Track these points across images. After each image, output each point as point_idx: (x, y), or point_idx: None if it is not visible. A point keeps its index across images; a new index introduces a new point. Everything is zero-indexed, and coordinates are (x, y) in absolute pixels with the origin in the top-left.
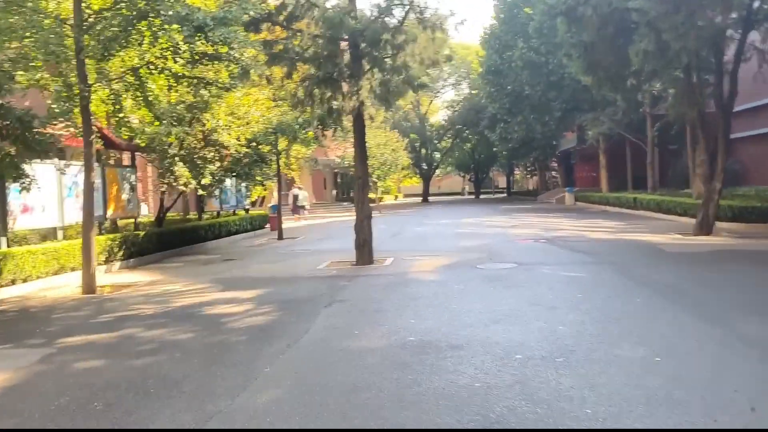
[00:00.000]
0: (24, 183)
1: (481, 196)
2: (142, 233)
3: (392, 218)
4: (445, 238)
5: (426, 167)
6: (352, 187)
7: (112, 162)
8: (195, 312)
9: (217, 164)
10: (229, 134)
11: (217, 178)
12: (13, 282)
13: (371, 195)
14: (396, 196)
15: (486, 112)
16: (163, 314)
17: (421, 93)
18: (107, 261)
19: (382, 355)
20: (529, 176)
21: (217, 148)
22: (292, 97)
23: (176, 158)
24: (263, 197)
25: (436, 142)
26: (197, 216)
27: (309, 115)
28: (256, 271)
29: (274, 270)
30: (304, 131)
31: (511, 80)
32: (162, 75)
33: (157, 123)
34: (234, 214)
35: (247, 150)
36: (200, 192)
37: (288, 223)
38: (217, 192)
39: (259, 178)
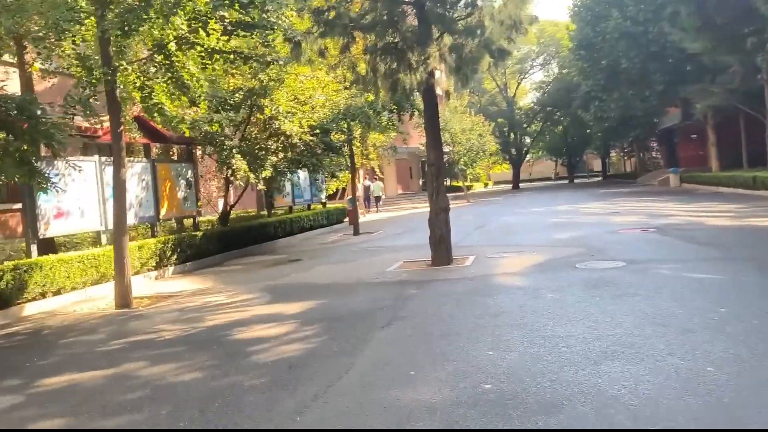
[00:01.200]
0: (41, 183)
1: (575, 181)
2: (200, 234)
3: (480, 207)
4: (537, 229)
5: (515, 153)
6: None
7: (173, 156)
8: (222, 336)
9: (281, 155)
10: (292, 122)
11: (280, 170)
12: (43, 295)
13: (458, 183)
14: (486, 184)
15: (579, 90)
16: (183, 339)
17: (507, 72)
18: (158, 266)
19: (442, 419)
20: (626, 158)
21: (279, 137)
22: (353, 73)
23: (234, 150)
24: (343, 189)
25: (525, 126)
26: (267, 212)
27: (377, 97)
28: (318, 274)
29: (337, 273)
30: (378, 116)
31: (606, 54)
32: (194, 51)
33: (204, 109)
34: (309, 208)
35: (311, 138)
36: (260, 186)
37: (369, 215)
38: (284, 185)
39: (330, 169)
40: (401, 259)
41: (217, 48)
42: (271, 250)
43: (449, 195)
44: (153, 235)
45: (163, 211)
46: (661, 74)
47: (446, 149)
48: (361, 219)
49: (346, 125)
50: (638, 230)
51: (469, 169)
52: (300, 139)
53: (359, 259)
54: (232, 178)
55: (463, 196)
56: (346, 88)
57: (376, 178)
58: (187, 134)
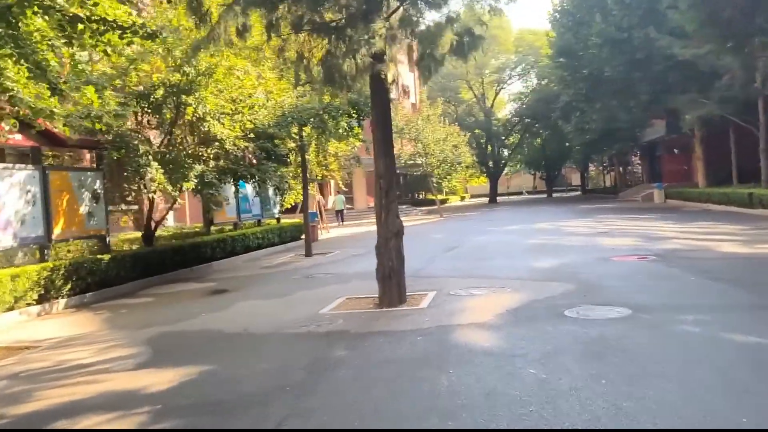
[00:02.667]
0: None
1: (554, 195)
2: (107, 257)
3: (453, 224)
4: (514, 253)
5: (493, 165)
6: (412, 187)
7: (84, 163)
8: None
9: (211, 164)
10: (223, 124)
11: (208, 181)
12: None
13: (433, 196)
14: (462, 197)
15: (559, 101)
16: None
17: (485, 82)
18: (43, 299)
19: None
20: (605, 172)
21: (213, 143)
22: (280, 58)
23: (150, 156)
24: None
25: (503, 138)
26: (205, 229)
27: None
28: (234, 315)
29: (260, 313)
30: (335, 122)
31: (588, 62)
32: (48, 17)
33: (95, 100)
34: (258, 224)
35: (247, 145)
36: (179, 201)
37: (334, 230)
38: (218, 198)
39: (273, 181)
40: (345, 294)
41: (80, 15)
42: (201, 275)
43: (422, 209)
44: (42, 260)
45: (57, 230)
46: (647, 83)
47: (419, 161)
48: (324, 235)
49: (296, 131)
50: (634, 257)
51: (444, 181)
52: (233, 145)
53: (296, 291)
54: (145, 191)
55: (435, 211)
56: (296, 86)
57: (338, 191)
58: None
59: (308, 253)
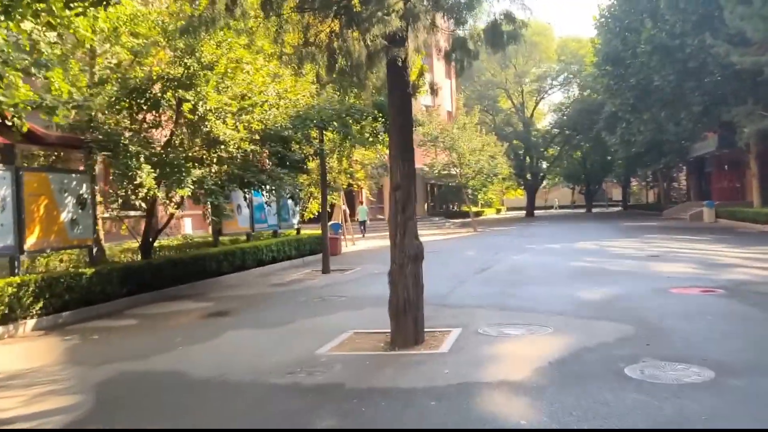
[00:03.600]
0: None
1: (593, 210)
2: (89, 271)
3: (487, 239)
4: (554, 278)
5: (531, 177)
6: (446, 199)
7: (70, 164)
8: None
9: (215, 168)
10: (226, 124)
11: (208, 188)
12: None
13: (467, 208)
14: (498, 210)
15: (603, 111)
16: None
17: (525, 91)
18: (7, 320)
19: None
20: (648, 187)
21: (218, 145)
22: (277, 43)
23: (141, 157)
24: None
25: (542, 149)
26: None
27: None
28: (214, 351)
29: (245, 349)
30: (360, 126)
31: (636, 70)
32: None
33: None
34: (275, 235)
35: (254, 148)
36: (171, 210)
37: (360, 243)
38: (224, 206)
39: (287, 190)
40: (355, 325)
41: None
42: (201, 293)
43: (456, 221)
44: (12, 273)
45: (31, 240)
46: (699, 94)
47: (453, 171)
48: (350, 248)
49: (315, 134)
50: (697, 290)
51: (480, 193)
52: (238, 148)
53: (299, 318)
54: (134, 198)
55: (469, 224)
56: (316, 84)
57: (360, 202)
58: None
59: (325, 270)
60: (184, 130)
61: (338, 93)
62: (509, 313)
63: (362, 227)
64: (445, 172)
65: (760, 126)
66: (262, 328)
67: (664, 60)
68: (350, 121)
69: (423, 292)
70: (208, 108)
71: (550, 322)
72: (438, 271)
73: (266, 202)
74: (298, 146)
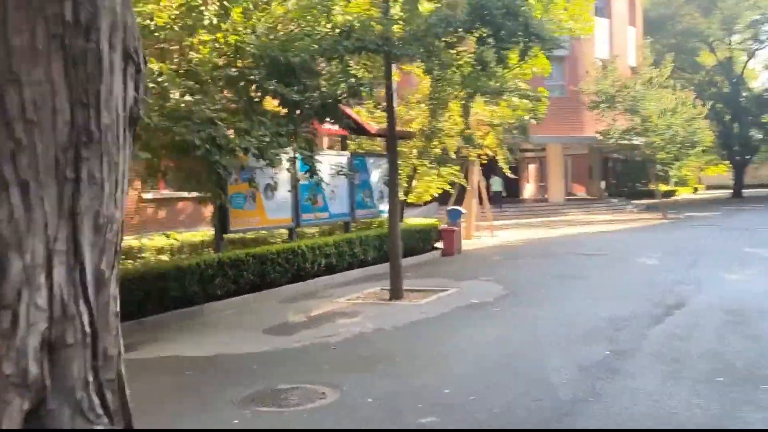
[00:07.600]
0: None
1: None
2: None
3: (681, 232)
4: None
5: (739, 149)
6: (629, 176)
7: None
8: None
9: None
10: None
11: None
12: None
13: (654, 186)
14: (695, 189)
15: None
16: None
17: (733, 42)
18: None
19: None
20: None
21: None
22: None
23: None
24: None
25: (754, 116)
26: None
27: None
28: None
29: None
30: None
31: None
32: None
33: None
34: (347, 229)
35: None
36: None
37: (501, 234)
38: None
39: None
40: None
41: None
42: (150, 337)
43: (640, 203)
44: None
45: None
46: None
47: (636, 141)
48: (483, 239)
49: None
50: None
51: (672, 168)
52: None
53: None
54: None
55: (657, 207)
56: None
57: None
58: None
59: (395, 293)
60: None
61: None
62: None
63: (497, 203)
64: (626, 140)
65: None
66: None
67: None
68: (441, 44)
69: None
70: None
71: None
72: (578, 309)
73: (317, 183)
74: (316, 81)
